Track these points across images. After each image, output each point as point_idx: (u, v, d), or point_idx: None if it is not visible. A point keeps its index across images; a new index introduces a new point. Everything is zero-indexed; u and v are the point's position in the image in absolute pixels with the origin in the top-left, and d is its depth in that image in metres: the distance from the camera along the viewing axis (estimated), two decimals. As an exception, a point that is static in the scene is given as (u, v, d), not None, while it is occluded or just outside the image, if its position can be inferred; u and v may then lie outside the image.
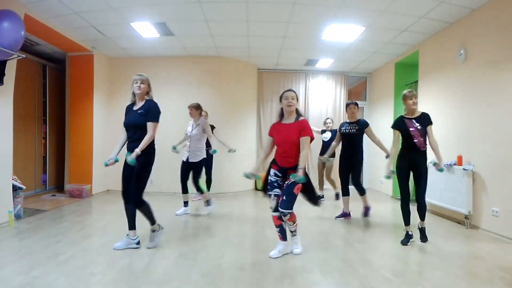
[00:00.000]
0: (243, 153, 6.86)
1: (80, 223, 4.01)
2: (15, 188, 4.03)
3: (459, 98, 4.36)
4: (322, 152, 5.62)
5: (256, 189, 7.06)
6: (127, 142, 3.10)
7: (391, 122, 6.31)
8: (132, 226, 3.07)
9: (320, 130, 6.06)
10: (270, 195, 2.93)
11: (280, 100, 2.96)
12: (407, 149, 3.40)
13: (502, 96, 3.64)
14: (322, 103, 7.43)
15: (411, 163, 3.38)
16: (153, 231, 3.16)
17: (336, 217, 4.43)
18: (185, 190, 4.54)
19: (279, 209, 2.84)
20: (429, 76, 5.10)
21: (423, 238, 3.44)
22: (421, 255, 3.13)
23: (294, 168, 2.80)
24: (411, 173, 3.45)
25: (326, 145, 5.68)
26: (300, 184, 2.78)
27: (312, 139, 2.88)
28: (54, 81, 6.40)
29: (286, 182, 2.85)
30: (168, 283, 2.38)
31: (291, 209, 2.83)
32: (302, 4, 4.10)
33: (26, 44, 5.34)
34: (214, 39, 5.49)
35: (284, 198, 2.80)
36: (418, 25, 4.60)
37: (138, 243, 3.10)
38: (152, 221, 3.14)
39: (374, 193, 6.86)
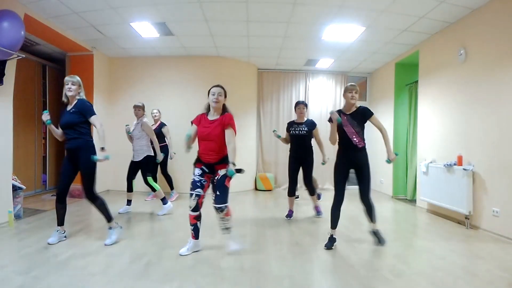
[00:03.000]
0: (243, 153, 6.86)
1: (80, 223, 4.00)
2: (15, 188, 4.03)
3: (459, 98, 4.36)
4: None
5: (256, 189, 7.07)
6: (66, 140, 3.25)
7: (391, 122, 6.40)
8: (61, 223, 3.25)
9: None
10: (191, 194, 2.89)
11: (208, 95, 2.92)
12: (345, 147, 3.21)
13: (502, 96, 3.63)
14: (322, 103, 7.42)
15: (350, 162, 3.21)
16: (110, 228, 3.24)
17: (287, 217, 4.47)
18: (130, 188, 4.63)
19: (215, 205, 2.84)
20: (429, 76, 5.10)
21: (381, 240, 3.24)
22: (421, 255, 3.13)
23: (220, 163, 2.84)
24: (350, 174, 3.26)
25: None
26: (230, 176, 2.80)
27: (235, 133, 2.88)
28: (54, 81, 6.39)
29: (216, 178, 2.87)
30: (168, 283, 2.38)
31: (227, 202, 2.86)
32: (302, 4, 4.10)
33: (26, 44, 5.34)
34: (214, 39, 5.49)
35: (218, 193, 2.84)
36: (418, 25, 4.60)
37: (65, 236, 3.30)
38: (108, 217, 3.24)
39: (374, 193, 6.82)
